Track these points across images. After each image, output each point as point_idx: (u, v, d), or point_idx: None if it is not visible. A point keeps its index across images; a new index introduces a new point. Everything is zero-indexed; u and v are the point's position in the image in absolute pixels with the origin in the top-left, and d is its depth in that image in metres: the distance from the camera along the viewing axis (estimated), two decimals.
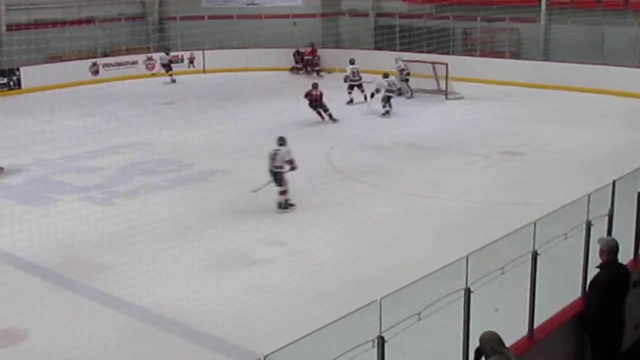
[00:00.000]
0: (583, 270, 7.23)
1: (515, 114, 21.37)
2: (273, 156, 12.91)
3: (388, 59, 25.17)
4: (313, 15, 31.35)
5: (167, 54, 28.04)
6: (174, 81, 27.18)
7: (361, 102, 22.41)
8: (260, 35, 29.16)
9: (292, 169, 12.90)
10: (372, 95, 21.52)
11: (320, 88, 20.05)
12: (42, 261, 10.69)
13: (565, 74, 24.09)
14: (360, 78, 22.69)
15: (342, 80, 22.93)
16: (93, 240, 11.36)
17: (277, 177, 12.86)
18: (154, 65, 28.58)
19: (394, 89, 21.44)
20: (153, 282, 9.45)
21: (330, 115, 20.08)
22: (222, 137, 15.94)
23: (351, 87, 22.64)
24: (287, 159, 12.93)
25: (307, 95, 20.02)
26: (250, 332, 8.56)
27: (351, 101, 22.56)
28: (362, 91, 22.65)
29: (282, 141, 13.07)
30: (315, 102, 19.89)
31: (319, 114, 20.03)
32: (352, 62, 23.15)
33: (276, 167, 12.86)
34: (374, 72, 23.14)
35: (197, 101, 22.25)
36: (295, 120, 16.20)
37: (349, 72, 22.75)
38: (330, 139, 17.62)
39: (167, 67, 27.53)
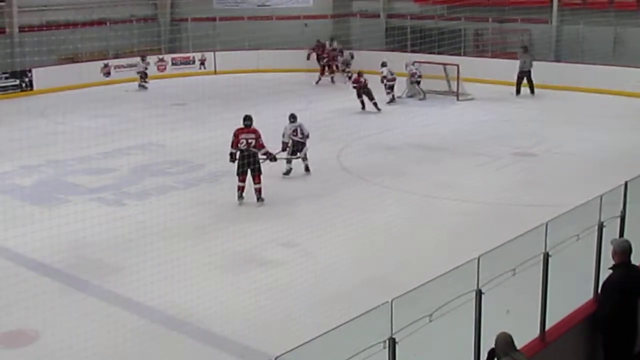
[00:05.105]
0: (595, 272, 7.20)
1: (526, 115, 21.31)
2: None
3: (399, 60, 25.13)
4: (324, 17, 31.31)
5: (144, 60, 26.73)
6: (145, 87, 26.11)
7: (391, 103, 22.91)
8: (271, 37, 29.17)
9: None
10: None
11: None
12: (54, 262, 10.74)
13: (577, 74, 23.98)
14: (395, 79, 23.00)
15: (380, 81, 23.11)
16: (104, 241, 11.38)
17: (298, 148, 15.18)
18: (165, 66, 28.66)
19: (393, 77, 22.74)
20: (164, 283, 9.48)
21: (375, 104, 21.68)
22: None
23: (390, 88, 22.94)
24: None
25: (355, 81, 21.93)
26: (262, 333, 8.56)
27: (393, 99, 23.01)
28: (390, 92, 23.00)
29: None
30: (362, 88, 21.71)
31: (362, 101, 21.87)
32: (384, 64, 23.20)
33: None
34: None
35: (208, 102, 22.27)
36: (305, 121, 16.22)
37: (385, 72, 22.96)
38: (341, 140, 17.60)
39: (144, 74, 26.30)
